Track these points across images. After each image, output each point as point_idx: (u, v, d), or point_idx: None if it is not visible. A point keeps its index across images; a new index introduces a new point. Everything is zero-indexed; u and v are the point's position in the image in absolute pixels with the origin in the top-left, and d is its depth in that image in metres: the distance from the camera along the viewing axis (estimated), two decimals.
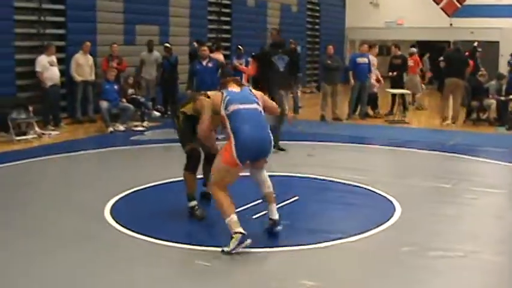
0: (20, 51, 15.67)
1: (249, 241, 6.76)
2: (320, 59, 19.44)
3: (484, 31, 28.94)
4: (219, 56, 17.75)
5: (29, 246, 6.98)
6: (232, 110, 7.14)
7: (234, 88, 7.40)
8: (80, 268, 6.38)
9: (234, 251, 6.68)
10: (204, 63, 14.33)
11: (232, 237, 6.77)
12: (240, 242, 6.72)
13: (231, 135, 7.10)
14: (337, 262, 6.74)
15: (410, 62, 20.65)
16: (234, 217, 7.01)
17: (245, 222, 7.89)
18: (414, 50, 21.60)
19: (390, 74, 19.75)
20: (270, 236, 7.41)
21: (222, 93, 7.33)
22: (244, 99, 7.28)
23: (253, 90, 7.61)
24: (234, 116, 7.13)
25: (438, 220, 8.32)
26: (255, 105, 7.28)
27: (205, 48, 14.82)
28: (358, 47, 19.91)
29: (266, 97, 7.82)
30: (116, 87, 15.97)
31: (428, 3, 31.11)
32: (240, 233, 6.79)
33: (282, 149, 12.58)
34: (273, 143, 7.37)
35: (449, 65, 17.86)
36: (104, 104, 15.46)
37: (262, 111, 7.37)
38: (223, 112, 7.19)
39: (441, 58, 18.77)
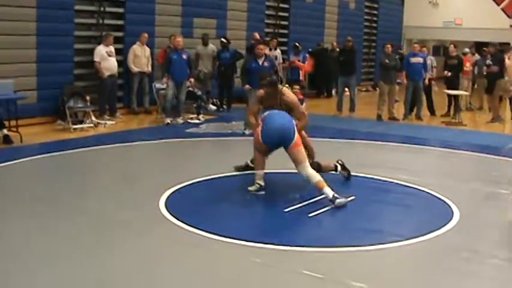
0: (79, 41, 15.81)
1: (262, 192, 8.99)
2: (378, 57, 19.16)
3: None
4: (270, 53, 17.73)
5: (83, 237, 7.04)
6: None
7: None
8: (133, 259, 6.39)
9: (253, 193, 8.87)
10: (260, 62, 14.21)
11: (254, 184, 9.05)
12: (258, 190, 8.99)
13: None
14: (393, 265, 6.60)
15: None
16: (260, 172, 9.14)
17: (300, 220, 7.88)
18: None
19: (446, 73, 19.40)
20: (325, 235, 7.36)
21: None
22: None
23: None
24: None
25: (498, 227, 8.14)
26: None
27: (262, 47, 14.66)
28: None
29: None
30: None
31: (489, 4, 30.68)
32: (259, 184, 9.06)
33: None
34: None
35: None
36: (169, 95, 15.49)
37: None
38: None
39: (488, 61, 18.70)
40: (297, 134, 8.95)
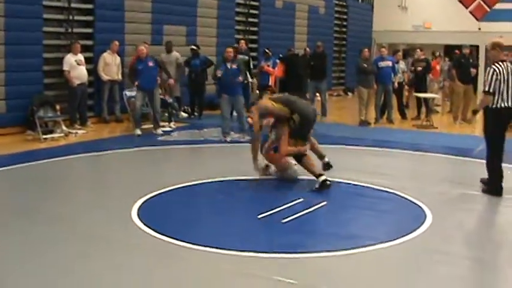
0: (48, 50, 15.68)
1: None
2: (349, 62, 19.21)
3: None
4: None
5: (53, 246, 6.96)
6: None
7: None
8: (106, 269, 6.32)
9: None
10: (229, 65, 14.32)
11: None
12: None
13: None
14: (367, 270, 6.59)
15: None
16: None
17: (273, 226, 7.86)
18: None
19: (412, 70, 19.63)
20: (298, 241, 7.34)
21: None
22: None
23: None
24: None
25: (470, 228, 8.22)
26: None
27: (231, 50, 14.76)
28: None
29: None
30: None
31: (457, 7, 30.92)
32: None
33: None
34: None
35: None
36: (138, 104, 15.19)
37: None
38: None
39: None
40: None
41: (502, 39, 10.15)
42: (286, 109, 10.05)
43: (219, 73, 14.37)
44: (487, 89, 9.42)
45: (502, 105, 9.46)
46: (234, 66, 14.42)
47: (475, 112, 10.06)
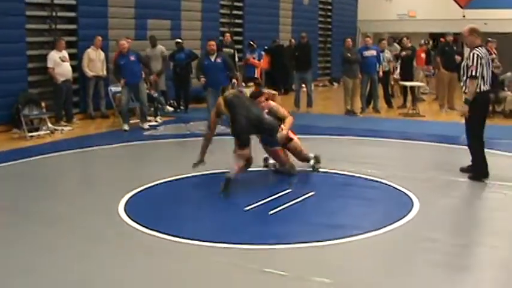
0: (32, 47, 15.57)
1: None
2: (335, 52, 19.22)
3: (498, 22, 28.62)
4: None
5: (41, 243, 6.94)
6: None
7: None
8: (91, 264, 6.33)
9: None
10: (212, 59, 14.30)
11: None
12: None
13: None
14: (355, 259, 6.61)
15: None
16: None
17: (260, 218, 7.87)
18: None
19: (397, 55, 19.79)
20: (285, 232, 7.35)
21: None
22: None
23: None
24: None
25: (457, 215, 8.25)
26: None
27: (213, 43, 14.70)
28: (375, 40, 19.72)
29: None
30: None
31: None
32: None
33: None
34: None
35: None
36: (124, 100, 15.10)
37: None
38: None
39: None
40: None
41: (485, 26, 10.21)
42: (227, 111, 9.53)
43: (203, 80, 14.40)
44: (474, 73, 9.47)
45: (485, 88, 9.56)
46: (219, 60, 14.37)
47: (467, 102, 9.89)
